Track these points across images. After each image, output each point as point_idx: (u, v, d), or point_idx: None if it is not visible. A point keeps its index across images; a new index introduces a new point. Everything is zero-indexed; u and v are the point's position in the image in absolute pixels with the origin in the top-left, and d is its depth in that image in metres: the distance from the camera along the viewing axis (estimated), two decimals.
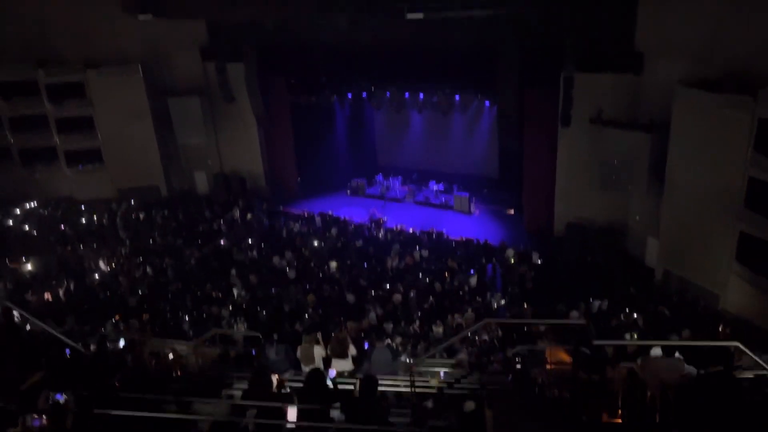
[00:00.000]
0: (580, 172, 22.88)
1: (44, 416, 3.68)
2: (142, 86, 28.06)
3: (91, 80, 27.79)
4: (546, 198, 24.60)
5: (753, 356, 6.05)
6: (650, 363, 7.95)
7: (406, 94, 28.75)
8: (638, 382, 6.56)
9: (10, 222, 26.47)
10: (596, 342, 5.98)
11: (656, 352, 8.52)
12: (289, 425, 5.16)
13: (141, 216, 27.20)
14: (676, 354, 7.74)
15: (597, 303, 18.05)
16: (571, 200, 23.73)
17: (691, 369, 7.75)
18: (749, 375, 8.15)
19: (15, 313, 9.80)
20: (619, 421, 5.67)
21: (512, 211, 27.99)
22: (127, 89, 27.90)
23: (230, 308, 18.30)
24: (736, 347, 6.20)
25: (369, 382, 5.72)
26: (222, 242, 24.33)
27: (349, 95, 30.36)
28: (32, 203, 28.58)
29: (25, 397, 4.91)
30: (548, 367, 9.80)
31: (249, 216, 27.37)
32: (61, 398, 4.03)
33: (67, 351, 8.62)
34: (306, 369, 9.35)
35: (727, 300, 18.29)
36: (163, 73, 28.72)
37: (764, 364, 6.03)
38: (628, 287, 19.56)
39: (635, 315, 16.95)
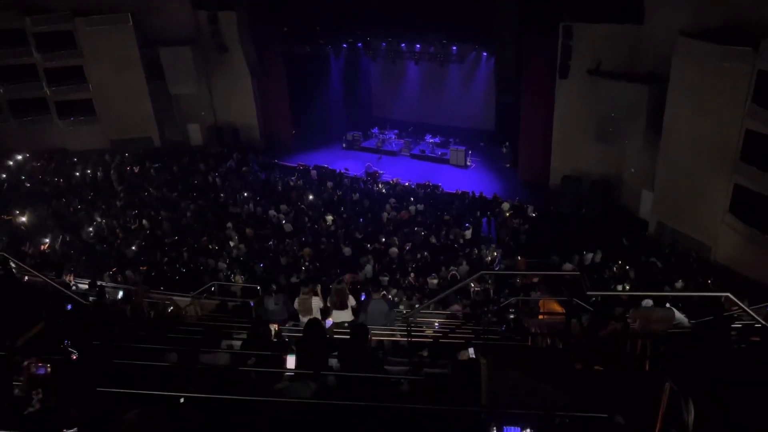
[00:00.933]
0: (577, 124, 22.74)
1: (48, 365, 3.75)
2: (132, 35, 27.45)
3: (81, 29, 27.12)
4: (542, 151, 24.51)
5: (743, 306, 6.18)
6: (641, 313, 8.12)
7: (403, 45, 28.23)
8: (629, 332, 6.71)
9: (3, 174, 26.27)
10: (589, 293, 6.07)
11: (647, 302, 8.67)
12: (287, 373, 5.28)
13: (135, 168, 27.02)
14: (667, 304, 7.88)
15: (590, 255, 18.26)
16: (567, 153, 23.66)
17: (682, 319, 7.92)
18: (738, 324, 8.35)
19: (12, 264, 9.83)
20: (611, 369, 5.81)
21: (509, 165, 27.93)
22: (117, 38, 27.30)
23: (227, 261, 18.43)
24: (727, 297, 6.33)
25: (359, 331, 5.82)
26: (218, 195, 24.28)
27: (345, 45, 29.77)
28: (24, 155, 28.29)
29: (29, 346, 4.99)
30: (541, 317, 9.98)
31: (244, 169, 27.25)
32: (69, 346, 4.10)
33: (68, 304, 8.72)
34: (304, 320, 9.49)
35: (719, 251, 18.51)
36: (154, 21, 28.02)
37: (754, 314, 6.17)
38: (621, 239, 19.75)
39: (627, 267, 17.18)
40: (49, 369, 3.72)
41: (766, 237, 16.45)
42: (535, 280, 16.13)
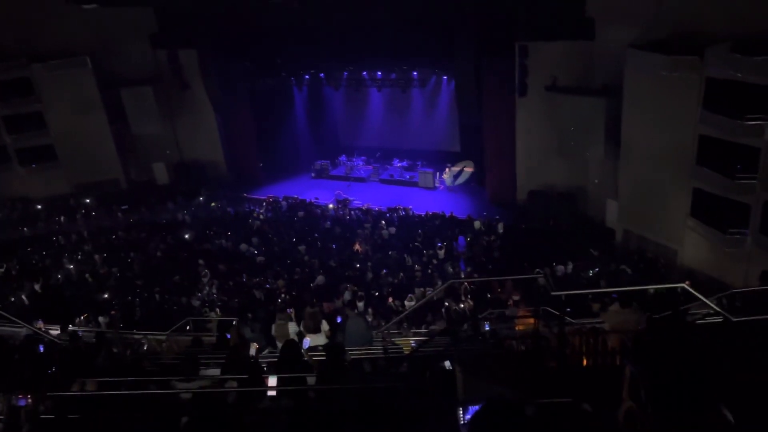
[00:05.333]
0: (539, 140, 23.30)
1: (29, 396, 3.75)
2: (92, 78, 27.35)
3: (38, 75, 26.91)
4: (508, 168, 25.00)
5: (698, 295, 6.48)
6: (610, 316, 8.42)
7: (364, 73, 28.69)
8: (599, 333, 6.92)
9: None
10: (554, 293, 6.31)
11: (614, 306, 8.99)
12: (270, 393, 5.31)
13: (102, 211, 26.67)
14: (634, 305, 8.17)
15: (561, 267, 18.58)
16: (532, 169, 24.18)
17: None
18: (702, 320, 8.65)
19: None
20: (584, 363, 6.01)
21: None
22: (76, 82, 27.16)
23: (200, 298, 18.26)
24: (683, 287, 6.61)
25: (334, 350, 5.92)
26: (187, 233, 24.09)
27: (307, 77, 30.10)
28: None
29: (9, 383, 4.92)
30: (517, 327, 10.17)
31: (213, 205, 27.13)
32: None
33: (41, 347, 8.61)
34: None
35: (685, 254, 19.03)
36: (114, 63, 27.97)
37: (707, 301, 6.46)
38: (590, 250, 20.14)
39: (599, 276, 17.54)
40: (29, 400, 3.73)
41: (726, 237, 17.00)
42: (516, 297, 16.33)
